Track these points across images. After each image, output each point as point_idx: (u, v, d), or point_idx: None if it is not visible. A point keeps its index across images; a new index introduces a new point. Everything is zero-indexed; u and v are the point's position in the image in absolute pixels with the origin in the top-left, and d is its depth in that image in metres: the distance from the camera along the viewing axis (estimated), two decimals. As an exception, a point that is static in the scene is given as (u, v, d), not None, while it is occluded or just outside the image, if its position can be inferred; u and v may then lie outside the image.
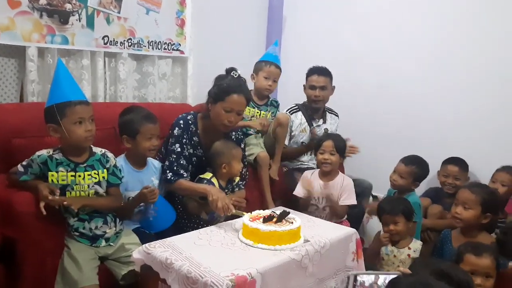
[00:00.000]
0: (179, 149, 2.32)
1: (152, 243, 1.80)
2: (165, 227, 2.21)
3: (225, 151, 2.31)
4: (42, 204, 1.80)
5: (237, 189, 2.46)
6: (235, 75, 2.34)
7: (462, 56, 3.07)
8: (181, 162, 2.31)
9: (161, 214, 2.21)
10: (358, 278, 1.62)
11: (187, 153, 2.35)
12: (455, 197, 2.30)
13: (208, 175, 2.33)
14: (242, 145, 2.56)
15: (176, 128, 2.33)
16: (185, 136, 2.34)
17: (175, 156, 2.31)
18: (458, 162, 2.89)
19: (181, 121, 2.35)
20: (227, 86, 2.29)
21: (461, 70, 3.08)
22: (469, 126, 3.07)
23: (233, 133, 2.51)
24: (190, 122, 2.37)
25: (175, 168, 2.30)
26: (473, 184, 2.36)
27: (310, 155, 3.12)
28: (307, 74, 3.11)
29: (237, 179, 2.46)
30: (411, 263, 2.25)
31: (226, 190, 2.38)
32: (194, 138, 2.38)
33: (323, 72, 3.07)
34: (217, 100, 2.29)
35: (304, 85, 3.14)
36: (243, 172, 2.55)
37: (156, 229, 2.20)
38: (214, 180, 2.32)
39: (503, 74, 2.91)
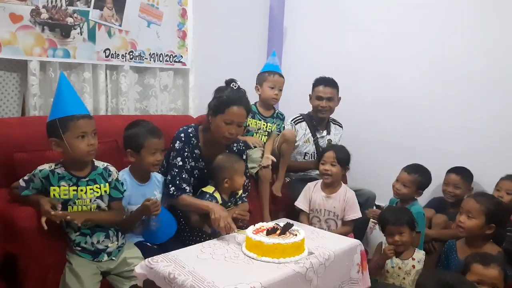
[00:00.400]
0: (181, 163, 2.31)
1: (154, 257, 1.78)
2: (168, 237, 2.20)
3: (227, 165, 2.29)
4: (43, 219, 1.79)
5: (240, 202, 2.45)
6: (235, 86, 2.33)
7: (464, 64, 3.05)
8: (183, 176, 2.30)
9: (164, 225, 2.20)
10: None
11: (189, 166, 2.34)
12: (460, 206, 2.28)
13: (210, 189, 2.31)
14: (244, 157, 2.55)
15: (178, 142, 2.32)
16: (186, 149, 2.33)
17: (177, 170, 2.30)
18: (461, 171, 2.88)
19: (182, 134, 2.35)
20: (226, 98, 2.28)
21: (463, 78, 3.06)
22: (472, 134, 3.04)
23: (235, 144, 2.50)
24: (191, 135, 2.37)
25: (177, 182, 2.28)
26: (478, 194, 2.33)
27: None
28: (314, 84, 3.11)
29: (240, 192, 2.44)
30: (417, 275, 2.22)
31: (229, 203, 2.37)
32: (195, 151, 2.38)
33: (330, 83, 3.06)
34: (217, 112, 2.28)
35: (310, 95, 3.14)
36: (245, 184, 2.53)
37: (160, 240, 2.18)
38: (216, 194, 2.30)
39: (505, 81, 2.89)
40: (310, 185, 2.75)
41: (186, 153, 2.33)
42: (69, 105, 1.89)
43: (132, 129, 2.20)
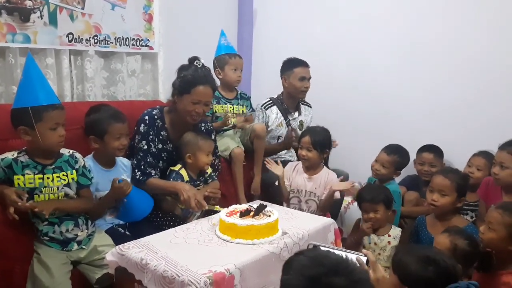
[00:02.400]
0: (145, 147, 2.27)
1: (126, 244, 1.75)
2: (148, 211, 2.17)
3: (191, 141, 2.28)
4: (11, 210, 1.73)
5: (210, 180, 2.43)
6: (199, 64, 2.29)
7: (433, 45, 3.07)
8: (148, 160, 2.26)
9: (140, 201, 2.15)
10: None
11: (155, 150, 2.30)
12: (430, 183, 2.32)
13: (177, 167, 2.30)
14: (213, 136, 2.52)
15: (142, 125, 2.28)
16: (151, 133, 2.28)
17: (142, 154, 2.26)
18: (433, 149, 2.92)
19: (146, 117, 2.30)
20: (191, 77, 2.24)
21: (433, 59, 3.09)
22: (441, 113, 3.08)
23: (203, 124, 2.47)
24: (156, 117, 2.32)
25: (143, 167, 2.25)
26: (446, 170, 2.37)
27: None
28: (291, 66, 3.06)
29: (210, 170, 2.42)
30: (392, 251, 2.26)
31: (198, 182, 2.35)
32: (162, 133, 2.33)
33: (307, 63, 3.07)
34: (183, 92, 2.24)
35: (284, 77, 3.10)
36: (215, 163, 2.51)
37: (140, 216, 2.14)
38: (182, 171, 2.29)
39: (475, 62, 2.93)
40: (291, 164, 2.74)
41: (151, 136, 2.28)
42: (43, 94, 1.81)
43: (94, 114, 2.15)
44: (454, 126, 3.03)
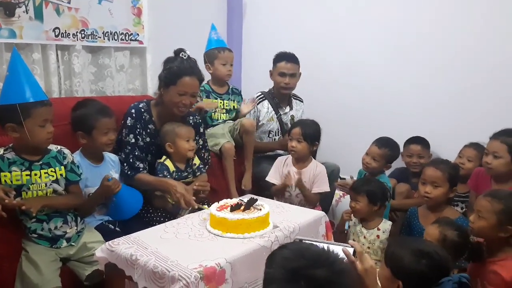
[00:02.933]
0: (133, 140, 2.25)
1: (115, 240, 1.74)
2: (137, 209, 2.16)
3: (168, 130, 2.28)
4: None
5: (198, 173, 2.42)
6: (185, 56, 2.28)
7: (422, 40, 3.07)
8: (136, 153, 2.25)
9: (129, 199, 2.14)
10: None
11: (142, 143, 2.29)
12: (421, 175, 2.33)
13: (163, 158, 2.29)
14: (201, 129, 2.51)
15: (129, 118, 2.26)
16: (138, 126, 2.27)
17: (130, 148, 2.25)
18: (419, 141, 2.94)
19: (133, 110, 2.29)
20: (177, 69, 2.23)
21: (422, 53, 3.09)
22: (429, 106, 3.10)
23: (191, 117, 2.46)
24: (142, 110, 2.31)
25: (131, 160, 2.24)
26: (437, 161, 2.38)
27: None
28: (275, 60, 3.05)
29: (198, 161, 2.41)
30: (382, 245, 2.27)
31: (186, 173, 2.34)
32: (149, 126, 2.32)
33: (292, 58, 3.02)
34: (169, 84, 2.23)
35: (270, 71, 3.09)
36: (205, 157, 2.50)
37: (129, 214, 2.14)
38: (167, 162, 2.28)
39: (462, 56, 2.94)
40: (281, 159, 2.74)
41: (138, 130, 2.27)
42: (29, 90, 1.78)
43: (80, 109, 2.13)
44: (442, 119, 3.06)
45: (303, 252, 1.07)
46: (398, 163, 2.99)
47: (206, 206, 2.09)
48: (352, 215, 2.38)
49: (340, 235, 2.36)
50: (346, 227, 2.38)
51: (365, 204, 2.30)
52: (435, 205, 2.26)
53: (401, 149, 2.93)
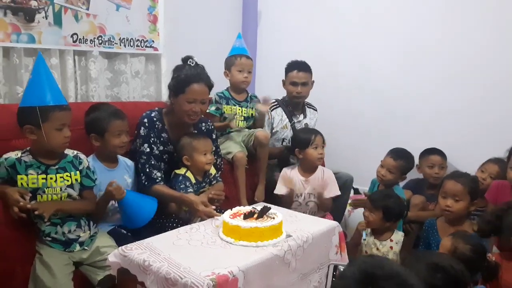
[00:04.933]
0: (148, 149, 2.26)
1: (128, 245, 1.73)
2: (149, 218, 2.13)
3: (185, 144, 2.27)
4: (16, 209, 1.72)
5: (214, 182, 2.41)
6: (192, 63, 2.27)
7: (439, 47, 3.06)
8: (152, 162, 2.25)
9: (138, 209, 2.12)
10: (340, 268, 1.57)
11: (157, 152, 2.29)
12: (441, 189, 2.28)
13: (182, 170, 2.28)
14: (214, 136, 2.50)
15: (142, 128, 2.26)
16: (152, 135, 2.27)
17: (145, 158, 2.25)
18: (438, 152, 2.90)
19: (145, 120, 2.29)
20: (185, 76, 2.22)
21: (439, 61, 3.08)
22: (447, 116, 3.07)
23: (203, 124, 2.46)
24: (155, 119, 2.31)
25: (147, 170, 2.24)
26: (457, 174, 2.33)
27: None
28: (287, 70, 3.05)
29: (214, 171, 2.41)
30: (394, 256, 2.24)
31: (204, 183, 2.34)
32: (162, 135, 2.32)
33: (303, 67, 3.01)
34: (178, 92, 2.23)
35: (283, 80, 3.09)
36: (218, 163, 2.50)
37: (141, 223, 2.11)
38: (189, 174, 2.28)
39: (481, 66, 2.92)
40: (286, 170, 2.73)
41: (152, 139, 2.27)
42: (50, 94, 1.82)
43: (93, 113, 2.16)
44: (460, 129, 3.02)
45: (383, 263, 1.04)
46: (413, 174, 2.96)
47: (220, 214, 2.08)
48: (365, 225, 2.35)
49: (352, 249, 2.32)
50: (364, 236, 2.34)
51: (379, 218, 2.28)
52: (455, 219, 2.23)
53: (416, 161, 2.91)
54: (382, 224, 2.29)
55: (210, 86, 2.31)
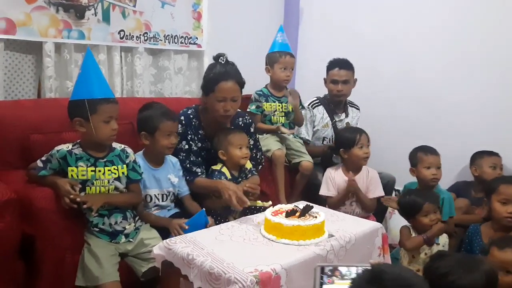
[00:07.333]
0: (186, 146, 2.28)
1: (172, 238, 1.77)
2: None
3: (220, 138, 2.28)
4: (67, 200, 1.79)
5: (250, 175, 2.39)
6: (222, 60, 2.25)
7: (488, 49, 2.94)
8: (192, 159, 2.28)
9: (196, 227, 2.06)
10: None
11: (195, 148, 2.31)
12: (496, 194, 2.17)
13: (218, 166, 2.30)
14: (252, 130, 2.49)
15: (179, 125, 2.27)
16: (189, 132, 2.29)
17: (184, 154, 2.27)
18: (495, 153, 2.78)
19: (182, 117, 2.30)
20: (214, 75, 2.22)
21: (484, 54, 2.95)
22: (494, 117, 2.95)
23: (240, 118, 2.45)
24: (191, 116, 2.33)
25: (188, 166, 2.26)
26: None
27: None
28: (328, 68, 3.01)
29: (249, 165, 2.40)
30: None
31: (240, 179, 2.34)
32: (199, 132, 2.34)
33: (345, 65, 2.96)
34: (208, 92, 2.23)
35: (324, 79, 3.05)
36: (258, 157, 2.49)
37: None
38: (224, 169, 2.29)
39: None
40: (330, 170, 2.69)
41: (190, 136, 2.29)
42: (98, 87, 1.88)
43: (146, 111, 2.18)
44: (509, 131, 2.88)
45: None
46: (460, 177, 2.87)
47: (259, 202, 2.06)
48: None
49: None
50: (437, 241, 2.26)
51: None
52: (500, 224, 2.14)
53: (466, 162, 2.80)
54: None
55: (240, 83, 2.27)
